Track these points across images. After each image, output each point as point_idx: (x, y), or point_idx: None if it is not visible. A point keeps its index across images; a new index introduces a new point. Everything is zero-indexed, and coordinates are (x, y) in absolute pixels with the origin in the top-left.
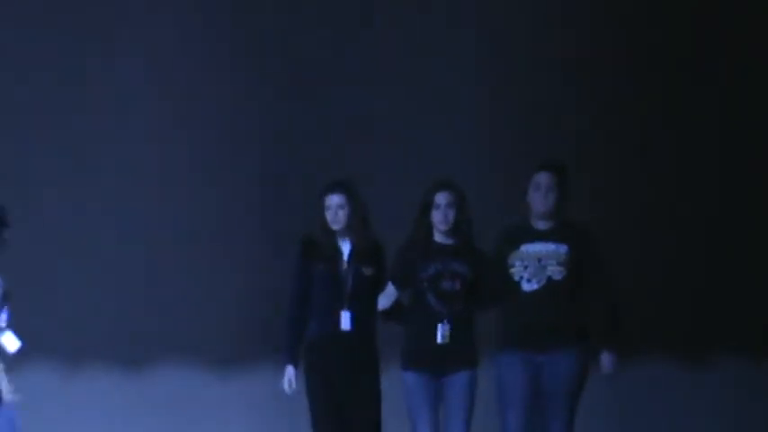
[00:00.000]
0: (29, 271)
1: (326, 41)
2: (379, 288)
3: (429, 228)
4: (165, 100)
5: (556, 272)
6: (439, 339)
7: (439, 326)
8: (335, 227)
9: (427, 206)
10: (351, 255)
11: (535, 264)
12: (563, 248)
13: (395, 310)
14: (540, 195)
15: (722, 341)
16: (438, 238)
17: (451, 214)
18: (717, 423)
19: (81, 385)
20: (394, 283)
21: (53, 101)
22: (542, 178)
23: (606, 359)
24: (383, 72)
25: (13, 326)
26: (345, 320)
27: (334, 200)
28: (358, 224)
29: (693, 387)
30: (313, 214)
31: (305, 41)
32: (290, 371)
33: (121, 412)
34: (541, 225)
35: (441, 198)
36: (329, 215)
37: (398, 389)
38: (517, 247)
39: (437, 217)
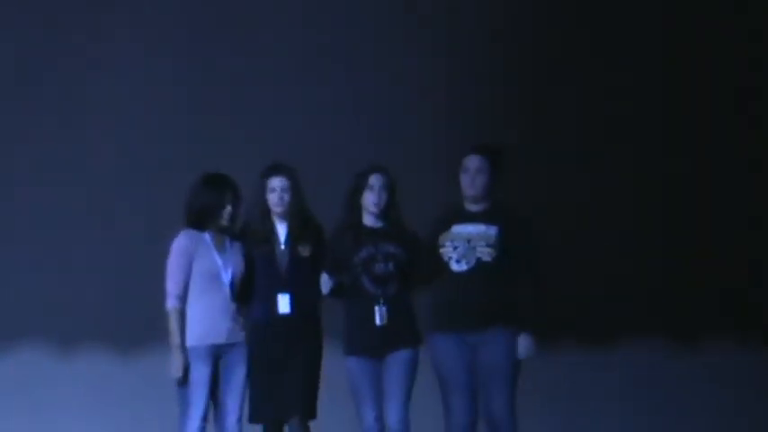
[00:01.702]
0: (20, 255)
1: None
2: (321, 268)
3: (359, 211)
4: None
5: (485, 253)
6: (378, 321)
7: (376, 308)
8: (278, 209)
9: (359, 189)
10: (287, 236)
11: (465, 245)
12: (493, 230)
13: (338, 292)
14: (468, 178)
15: (709, 326)
16: (368, 221)
17: (384, 196)
18: (706, 407)
19: (73, 369)
20: (327, 272)
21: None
22: (471, 161)
23: (522, 343)
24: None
25: None
26: (284, 303)
27: (279, 182)
28: (298, 206)
29: (681, 373)
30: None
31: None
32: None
33: (113, 396)
34: (473, 207)
35: (375, 180)
36: (273, 197)
37: (344, 372)
38: (448, 228)
39: (371, 199)
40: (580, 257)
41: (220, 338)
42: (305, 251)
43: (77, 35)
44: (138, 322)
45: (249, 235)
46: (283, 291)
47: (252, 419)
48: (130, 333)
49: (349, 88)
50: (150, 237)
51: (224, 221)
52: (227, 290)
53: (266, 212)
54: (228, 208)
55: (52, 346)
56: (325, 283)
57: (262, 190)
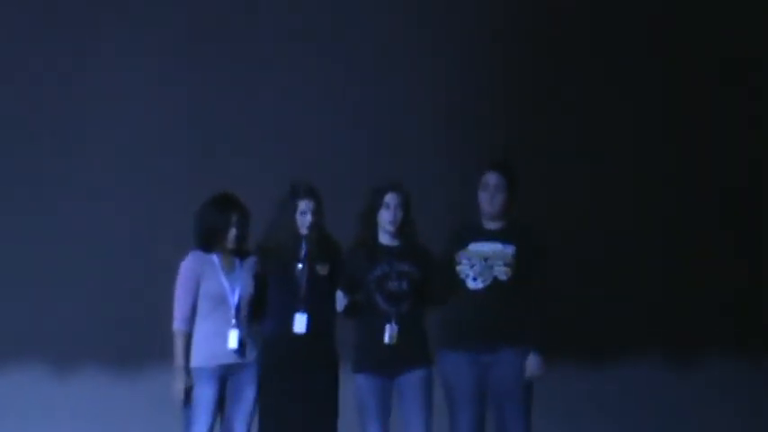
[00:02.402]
0: (19, 273)
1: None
2: (337, 286)
3: (374, 229)
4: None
5: (501, 272)
6: (386, 340)
7: (387, 326)
8: (305, 231)
9: (374, 207)
10: (305, 255)
11: (482, 263)
12: (510, 249)
13: (352, 310)
14: (487, 196)
15: (708, 341)
16: (383, 239)
17: (400, 215)
18: (703, 422)
19: (68, 390)
20: (342, 289)
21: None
22: (490, 178)
23: (531, 361)
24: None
25: None
26: (300, 323)
27: (309, 205)
28: (319, 227)
29: (679, 387)
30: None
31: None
32: None
33: (109, 417)
34: (491, 225)
35: (391, 198)
36: (303, 220)
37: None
38: (465, 245)
39: (387, 217)
40: (579, 269)
41: (226, 359)
42: (323, 270)
43: (75, 37)
44: (135, 343)
45: (272, 252)
46: (301, 310)
47: None
48: (127, 354)
49: (353, 96)
50: (148, 256)
51: (231, 242)
52: (233, 311)
53: (295, 233)
54: (234, 230)
55: (48, 367)
56: (340, 300)
57: (291, 210)
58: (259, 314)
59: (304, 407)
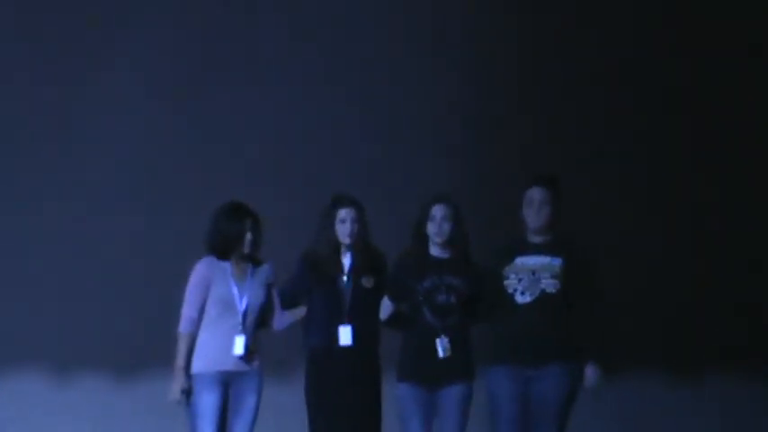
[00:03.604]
0: (19, 279)
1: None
2: (382, 298)
3: (425, 241)
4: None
5: (549, 285)
6: (440, 354)
7: (438, 340)
8: (347, 241)
9: (423, 219)
10: (351, 268)
11: (529, 276)
12: (557, 261)
13: (396, 320)
14: (532, 211)
15: (712, 359)
16: (434, 251)
17: (447, 227)
18: None
19: (69, 395)
20: (389, 297)
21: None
22: (535, 193)
23: (590, 373)
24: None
25: None
26: (345, 335)
27: (349, 213)
28: (363, 238)
29: (683, 404)
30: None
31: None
32: None
33: (110, 420)
34: (536, 239)
35: (437, 211)
36: (343, 229)
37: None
38: (512, 259)
39: (432, 229)
40: None
41: (228, 366)
42: (368, 283)
43: (77, 36)
44: (136, 348)
45: (315, 264)
46: (346, 323)
47: None
48: (127, 359)
49: (364, 101)
50: (149, 261)
51: (247, 247)
52: (240, 317)
53: (335, 243)
54: (249, 236)
55: (49, 373)
56: (386, 308)
57: (331, 219)
58: (266, 323)
59: (348, 420)
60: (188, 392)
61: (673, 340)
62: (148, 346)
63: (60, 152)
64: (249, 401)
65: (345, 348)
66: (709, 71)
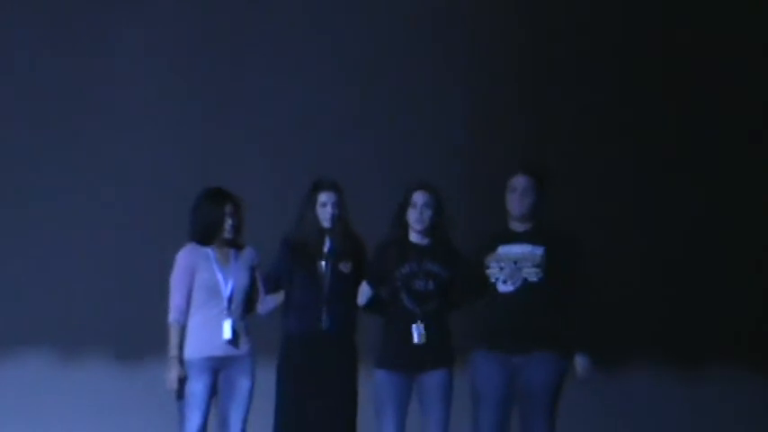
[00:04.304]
0: (23, 264)
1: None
2: (360, 283)
3: (405, 227)
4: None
5: (531, 273)
6: (416, 339)
7: (414, 326)
8: (327, 225)
9: (404, 205)
10: (330, 252)
11: (511, 265)
12: (539, 250)
13: (374, 306)
14: (515, 198)
15: (715, 352)
16: (414, 238)
17: (428, 214)
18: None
19: (74, 378)
20: (368, 282)
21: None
22: (518, 181)
23: (580, 363)
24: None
25: None
26: (323, 319)
27: (330, 197)
28: (343, 222)
29: (685, 399)
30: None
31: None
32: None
33: (114, 405)
34: (519, 227)
35: (418, 197)
36: (324, 212)
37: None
38: (494, 248)
39: (413, 216)
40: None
41: (217, 351)
42: (346, 268)
43: (77, 36)
44: (140, 331)
45: (295, 248)
46: (323, 307)
47: None
48: (132, 342)
49: (365, 97)
50: (153, 246)
51: (228, 232)
52: (225, 302)
53: (318, 228)
54: (230, 219)
55: (54, 355)
56: (364, 293)
57: (312, 203)
58: (253, 306)
59: (323, 402)
60: (184, 381)
61: (674, 334)
62: (152, 329)
63: (64, 137)
64: (242, 385)
65: (322, 333)
66: (706, 70)
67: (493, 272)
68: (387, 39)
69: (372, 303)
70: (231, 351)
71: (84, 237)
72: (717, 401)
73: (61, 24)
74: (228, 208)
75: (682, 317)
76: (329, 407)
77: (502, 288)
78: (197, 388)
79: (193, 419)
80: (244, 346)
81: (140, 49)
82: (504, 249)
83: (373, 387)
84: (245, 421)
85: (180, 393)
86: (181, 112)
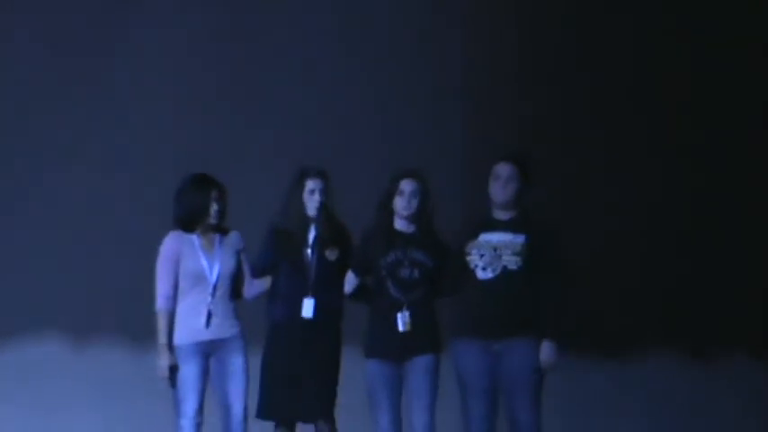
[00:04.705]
0: (34, 249)
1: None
2: (346, 271)
3: (391, 214)
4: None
5: (511, 261)
6: (401, 327)
7: (399, 315)
8: (312, 213)
9: (391, 193)
10: (315, 240)
11: (491, 253)
12: (520, 239)
13: (360, 294)
14: (498, 185)
15: (723, 338)
16: (399, 225)
17: (415, 202)
18: (718, 420)
19: (84, 362)
20: (353, 271)
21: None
22: (501, 169)
23: (544, 351)
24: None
25: None
26: (308, 308)
27: (318, 184)
28: (328, 210)
29: (695, 384)
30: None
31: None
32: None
33: (123, 389)
34: (502, 215)
35: (405, 185)
36: (311, 199)
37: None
38: (476, 235)
39: (400, 203)
40: (592, 270)
41: (206, 336)
42: (332, 255)
43: (80, 36)
44: (149, 317)
45: (282, 235)
46: (309, 295)
47: (262, 415)
48: (141, 327)
49: (367, 89)
50: (162, 234)
51: (213, 218)
52: (211, 289)
53: (305, 215)
54: (215, 204)
55: (64, 340)
56: (350, 281)
57: (299, 190)
58: (240, 291)
59: (300, 391)
60: (175, 368)
61: (688, 324)
62: None
63: (74, 126)
64: (235, 362)
65: (307, 321)
66: (703, 69)
67: (473, 259)
68: (386, 38)
69: (358, 292)
70: (220, 334)
71: (93, 224)
72: (728, 389)
73: (62, 24)
74: (214, 193)
75: (694, 304)
76: (307, 393)
77: (481, 275)
78: (189, 371)
79: (189, 402)
80: (233, 329)
81: (141, 49)
82: (484, 237)
83: (365, 377)
84: (246, 396)
85: (173, 381)
86: (182, 111)
